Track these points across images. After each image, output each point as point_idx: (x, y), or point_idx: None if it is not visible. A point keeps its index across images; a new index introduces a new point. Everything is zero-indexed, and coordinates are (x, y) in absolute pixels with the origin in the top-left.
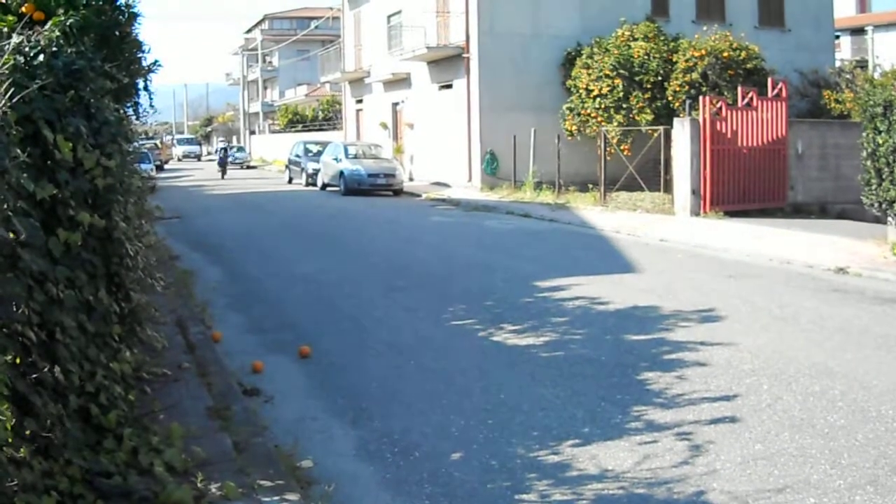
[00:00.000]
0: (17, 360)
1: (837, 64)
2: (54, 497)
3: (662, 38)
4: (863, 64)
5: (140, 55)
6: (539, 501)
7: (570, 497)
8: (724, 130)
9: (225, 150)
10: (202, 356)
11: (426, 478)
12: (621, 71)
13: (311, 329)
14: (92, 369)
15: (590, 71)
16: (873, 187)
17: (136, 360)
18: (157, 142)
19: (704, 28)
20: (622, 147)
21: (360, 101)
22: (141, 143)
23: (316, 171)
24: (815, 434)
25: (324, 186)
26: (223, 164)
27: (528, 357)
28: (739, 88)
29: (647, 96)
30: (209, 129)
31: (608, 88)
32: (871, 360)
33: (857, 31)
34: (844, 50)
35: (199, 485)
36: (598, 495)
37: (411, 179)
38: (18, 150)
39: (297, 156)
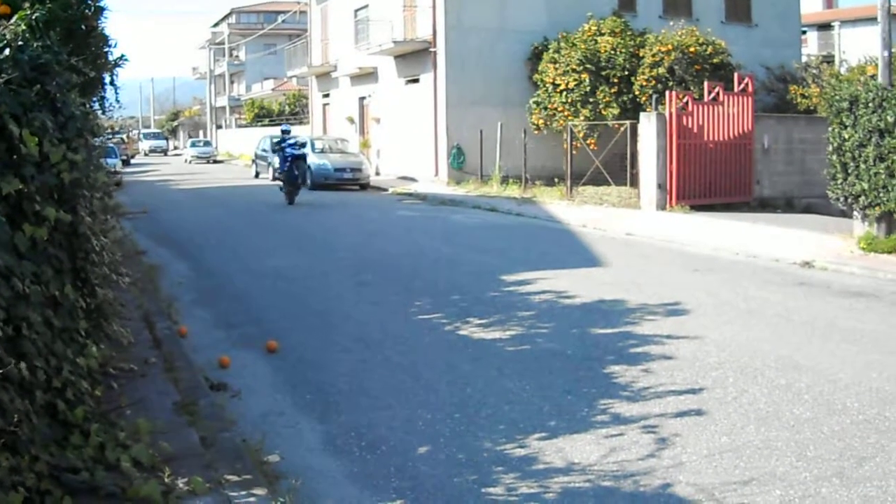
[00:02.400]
0: None
1: (804, 59)
2: (21, 493)
3: (629, 32)
4: (829, 59)
5: (106, 49)
6: (506, 495)
7: (537, 490)
8: (690, 125)
9: (289, 147)
10: (169, 351)
11: (393, 472)
12: (588, 65)
13: (278, 324)
14: (58, 365)
15: (556, 65)
16: (839, 182)
17: (103, 355)
18: (124, 136)
19: (671, 23)
20: (589, 141)
21: (326, 96)
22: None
23: None
24: (781, 426)
25: None
26: (292, 181)
27: (495, 351)
28: (706, 83)
29: (613, 91)
30: (176, 123)
31: (575, 83)
32: (837, 354)
33: (824, 27)
34: (811, 45)
35: (166, 480)
36: (565, 488)
37: (378, 174)
38: None
39: (264, 150)
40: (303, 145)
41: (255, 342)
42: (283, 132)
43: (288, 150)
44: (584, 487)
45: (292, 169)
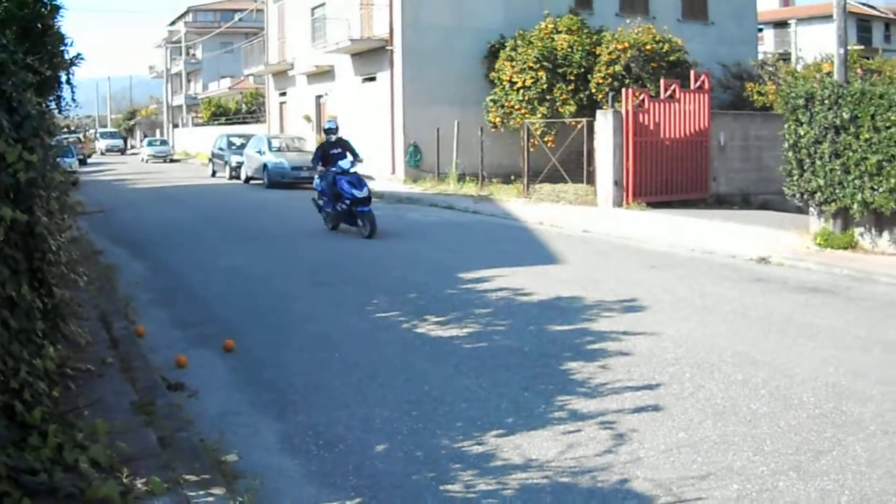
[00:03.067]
0: None
1: (760, 56)
2: None
3: (586, 30)
4: (786, 57)
5: (63, 48)
6: (464, 492)
7: (495, 487)
8: (646, 122)
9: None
10: (126, 351)
11: (351, 470)
12: (545, 63)
13: (235, 323)
14: (15, 366)
15: (513, 63)
16: (795, 178)
17: (60, 355)
18: (81, 135)
19: (628, 21)
20: (545, 139)
21: (283, 94)
22: (64, 136)
23: (239, 165)
24: (737, 421)
25: (247, 179)
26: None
27: (452, 348)
28: (662, 81)
29: (570, 88)
30: (133, 122)
31: (532, 80)
32: (794, 349)
33: (781, 25)
34: (768, 43)
35: (124, 480)
36: (523, 484)
37: None
38: None
39: (221, 149)
40: (355, 159)
41: (212, 341)
42: (328, 131)
43: (343, 184)
44: (541, 484)
45: (352, 217)
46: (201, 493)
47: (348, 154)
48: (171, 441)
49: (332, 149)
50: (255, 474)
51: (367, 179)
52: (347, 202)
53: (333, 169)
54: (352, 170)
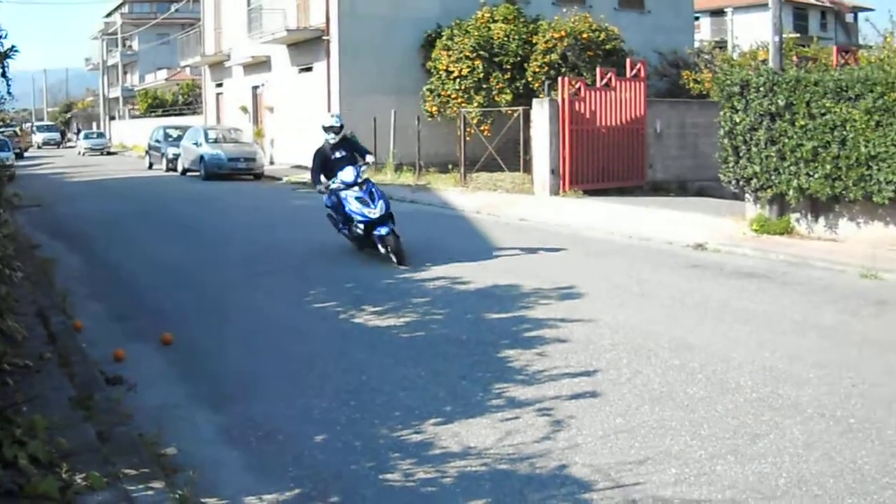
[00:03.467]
0: None
1: (697, 45)
2: None
3: (522, 19)
4: (722, 45)
5: None
6: (403, 480)
7: (434, 475)
8: (582, 111)
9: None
10: (64, 346)
11: (290, 461)
12: (481, 52)
13: (173, 316)
14: None
15: (450, 52)
16: (731, 165)
17: None
18: (17, 129)
19: (564, 10)
20: (482, 128)
21: (220, 85)
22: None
23: (176, 156)
24: (675, 406)
25: (184, 171)
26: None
27: (390, 338)
28: (598, 69)
29: (506, 77)
30: (69, 115)
31: (468, 70)
32: (730, 334)
33: (717, 13)
34: (704, 31)
35: (64, 476)
36: (462, 472)
37: (272, 163)
38: None
39: (157, 141)
40: (360, 160)
41: (149, 334)
42: (328, 129)
43: (351, 202)
44: (480, 471)
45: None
46: (141, 486)
47: (357, 157)
48: (110, 435)
49: (336, 152)
50: (195, 467)
51: (305, 170)
52: (362, 226)
53: (335, 183)
54: (360, 179)
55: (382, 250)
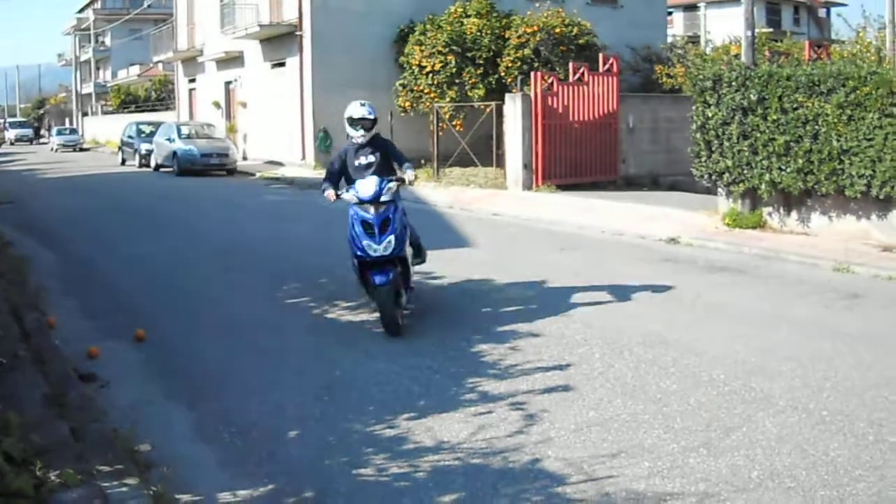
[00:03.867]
0: None
1: (670, 40)
2: None
3: (495, 14)
4: (695, 39)
5: None
6: (377, 475)
7: (408, 469)
8: (555, 105)
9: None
10: (38, 343)
11: (264, 457)
12: (454, 47)
13: (146, 312)
14: None
15: (423, 47)
16: (703, 159)
17: None
18: None
19: (537, 4)
20: (455, 123)
21: (193, 81)
22: None
23: (149, 152)
24: (647, 400)
25: (157, 167)
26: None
27: (363, 333)
28: (571, 64)
29: (479, 72)
30: (42, 111)
31: (441, 65)
32: (703, 328)
33: (690, 8)
34: (677, 26)
35: (38, 473)
36: (435, 467)
37: (245, 158)
38: None
39: (130, 137)
40: (398, 168)
41: (123, 331)
42: (354, 122)
43: (356, 225)
44: (453, 465)
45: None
46: (115, 483)
47: (392, 163)
48: (85, 432)
49: (361, 156)
50: (169, 463)
51: (278, 165)
52: (356, 261)
53: (348, 192)
54: (381, 197)
55: (371, 305)
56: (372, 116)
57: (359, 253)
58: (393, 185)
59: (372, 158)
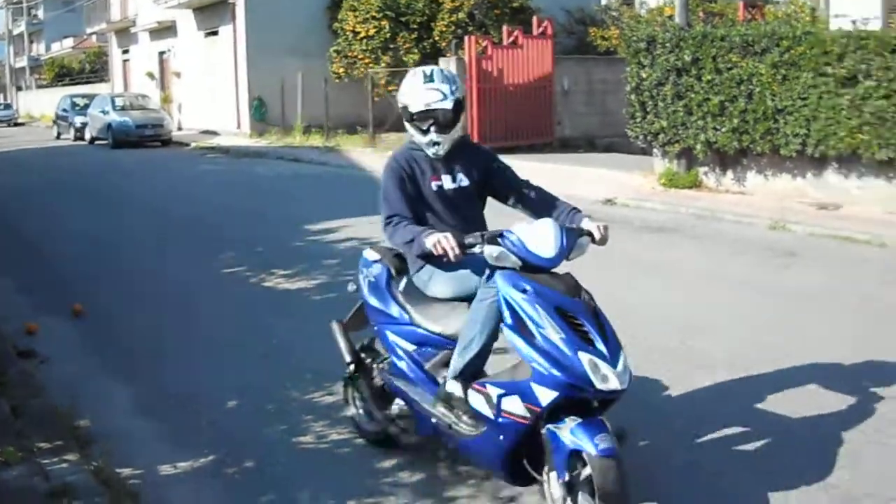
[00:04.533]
0: None
1: (604, 2)
2: None
3: None
4: (629, 2)
5: None
6: (316, 443)
7: (347, 436)
8: (490, 69)
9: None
10: None
11: (204, 427)
12: (388, 12)
13: (84, 286)
14: None
15: (356, 13)
16: (638, 120)
17: None
18: None
19: None
20: (391, 88)
21: (126, 52)
22: None
23: (84, 125)
24: None
25: (92, 140)
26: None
27: (300, 301)
28: (505, 28)
29: (413, 37)
30: None
31: (375, 30)
32: (640, 287)
33: None
34: None
35: None
36: None
37: (180, 129)
38: None
39: (65, 110)
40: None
41: (61, 306)
42: (424, 116)
43: (550, 353)
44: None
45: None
46: (55, 459)
47: (498, 191)
48: (24, 409)
49: (445, 173)
50: (109, 438)
51: (213, 135)
52: (565, 387)
53: (481, 246)
54: (565, 254)
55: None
56: (458, 96)
57: (564, 379)
58: (585, 240)
59: (465, 181)
